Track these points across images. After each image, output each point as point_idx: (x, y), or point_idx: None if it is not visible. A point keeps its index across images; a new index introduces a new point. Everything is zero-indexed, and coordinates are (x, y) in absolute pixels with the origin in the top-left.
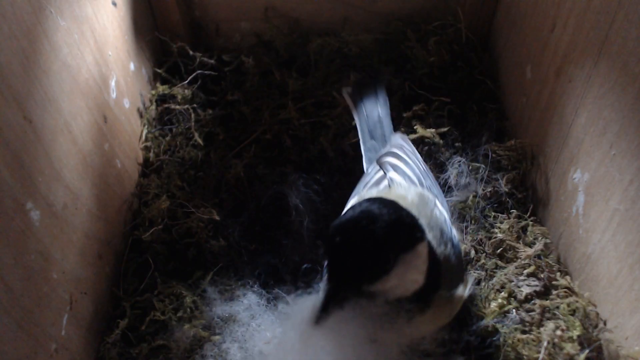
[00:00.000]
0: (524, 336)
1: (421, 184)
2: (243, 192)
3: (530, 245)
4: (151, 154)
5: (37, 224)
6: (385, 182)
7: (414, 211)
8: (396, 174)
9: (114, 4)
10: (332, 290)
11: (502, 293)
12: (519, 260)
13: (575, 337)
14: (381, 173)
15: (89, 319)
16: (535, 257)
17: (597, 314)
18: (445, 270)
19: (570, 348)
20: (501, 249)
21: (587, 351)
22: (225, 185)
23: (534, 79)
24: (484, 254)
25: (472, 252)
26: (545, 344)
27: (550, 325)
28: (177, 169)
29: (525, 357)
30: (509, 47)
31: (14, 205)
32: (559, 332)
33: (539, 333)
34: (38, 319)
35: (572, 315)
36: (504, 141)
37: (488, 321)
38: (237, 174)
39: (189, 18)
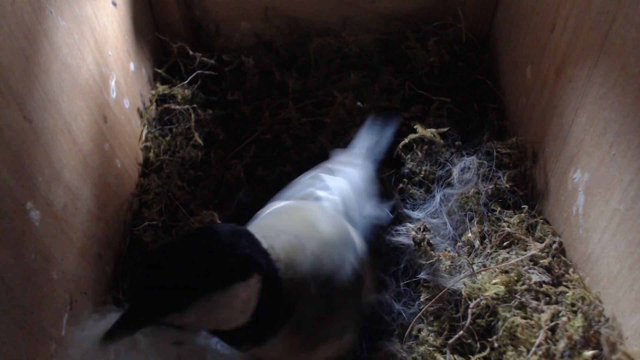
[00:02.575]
0: (524, 321)
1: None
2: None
3: (539, 240)
4: (151, 154)
5: (37, 224)
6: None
7: (295, 243)
8: (325, 193)
9: (114, 4)
10: (126, 314)
11: (511, 274)
12: (529, 252)
13: (577, 327)
14: (310, 189)
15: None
16: (547, 252)
17: (602, 310)
18: (307, 308)
19: (574, 332)
20: (508, 241)
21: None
22: (225, 185)
23: (534, 79)
24: (490, 245)
25: (477, 243)
26: (545, 327)
27: (550, 311)
28: (177, 169)
29: (521, 340)
30: (509, 47)
31: (14, 205)
32: (562, 319)
33: (539, 319)
34: (38, 319)
35: (574, 306)
36: (505, 140)
37: (489, 294)
38: (237, 174)
39: (189, 18)
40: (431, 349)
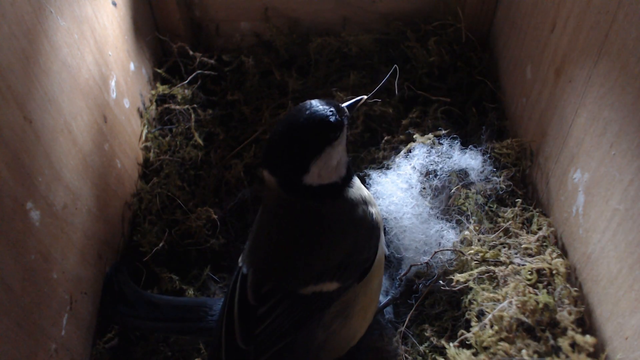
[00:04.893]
0: (491, 294)
1: None
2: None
3: (534, 233)
4: (151, 154)
5: (37, 224)
6: None
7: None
8: None
9: (114, 4)
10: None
11: (492, 250)
12: (521, 245)
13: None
14: None
15: (89, 319)
16: (538, 242)
17: (576, 295)
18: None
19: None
20: (505, 236)
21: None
22: (225, 185)
23: (534, 79)
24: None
25: (475, 241)
26: (507, 297)
27: (513, 285)
28: (177, 169)
29: (486, 309)
30: (509, 47)
31: (14, 205)
32: (524, 297)
33: (506, 294)
34: (38, 319)
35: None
36: (505, 140)
37: (464, 276)
38: (237, 174)
39: (189, 18)
40: (433, 351)
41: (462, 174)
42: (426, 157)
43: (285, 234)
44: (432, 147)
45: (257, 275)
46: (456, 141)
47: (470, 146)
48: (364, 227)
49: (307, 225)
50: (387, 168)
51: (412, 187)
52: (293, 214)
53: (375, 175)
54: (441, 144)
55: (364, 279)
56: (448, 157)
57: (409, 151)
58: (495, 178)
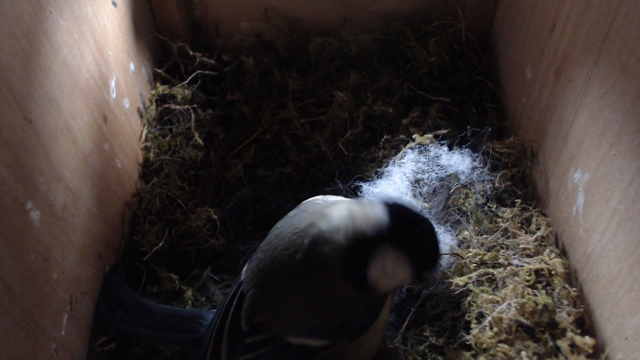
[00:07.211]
0: (490, 296)
1: None
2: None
3: (532, 233)
4: (151, 154)
5: (37, 224)
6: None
7: None
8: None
9: (114, 4)
10: None
11: (490, 252)
12: (520, 245)
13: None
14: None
15: (89, 319)
16: (536, 242)
17: (575, 296)
18: None
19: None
20: (504, 237)
21: None
22: (225, 185)
23: (534, 79)
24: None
25: (474, 241)
26: (506, 299)
27: (511, 287)
28: (177, 169)
29: (486, 311)
30: (509, 47)
31: (14, 205)
32: (522, 298)
33: (505, 296)
34: (38, 319)
35: (549, 285)
36: (504, 140)
37: (463, 279)
38: (237, 174)
39: (189, 18)
40: (433, 351)
41: (460, 175)
42: (419, 162)
43: (300, 282)
44: (427, 151)
45: (254, 301)
46: (454, 142)
47: (469, 147)
48: (376, 307)
49: (326, 287)
50: (379, 177)
51: (405, 194)
52: (325, 274)
53: (366, 187)
54: (441, 144)
55: (355, 339)
56: (444, 160)
57: (401, 157)
58: (494, 178)
